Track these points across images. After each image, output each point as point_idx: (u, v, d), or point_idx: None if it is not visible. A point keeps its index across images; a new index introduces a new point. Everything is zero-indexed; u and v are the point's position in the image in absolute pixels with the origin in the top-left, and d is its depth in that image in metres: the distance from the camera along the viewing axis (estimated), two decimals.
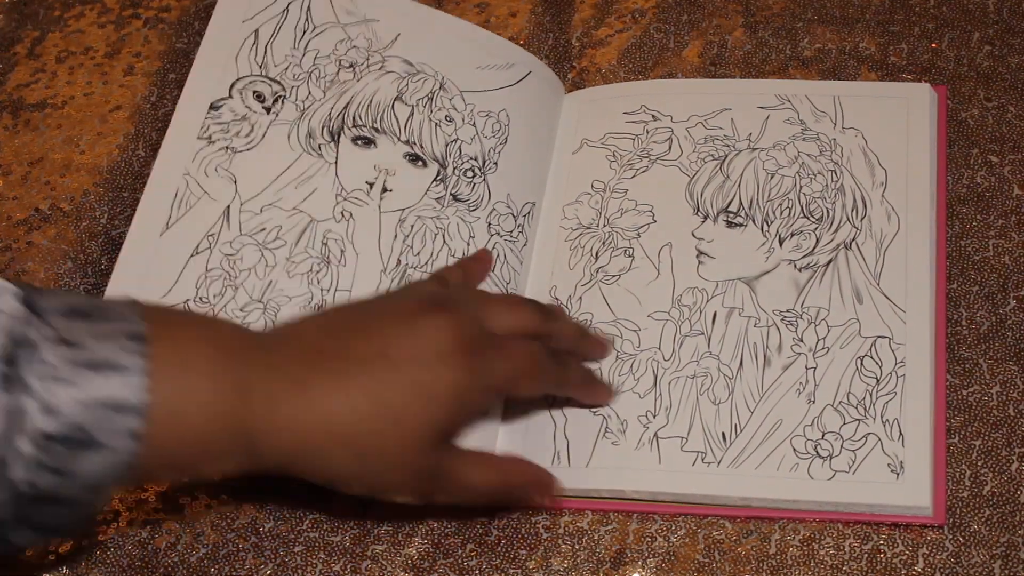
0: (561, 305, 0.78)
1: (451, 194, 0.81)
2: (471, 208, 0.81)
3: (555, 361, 0.71)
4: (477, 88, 0.85)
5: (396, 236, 0.79)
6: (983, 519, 0.71)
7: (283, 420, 0.64)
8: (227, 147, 0.82)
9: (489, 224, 0.81)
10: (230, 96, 0.83)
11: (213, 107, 0.83)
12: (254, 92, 0.84)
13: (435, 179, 0.82)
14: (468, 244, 0.80)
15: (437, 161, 0.82)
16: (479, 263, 0.78)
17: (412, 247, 0.79)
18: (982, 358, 0.75)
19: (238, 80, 0.84)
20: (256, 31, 0.85)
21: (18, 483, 0.60)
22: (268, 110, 0.83)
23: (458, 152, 0.83)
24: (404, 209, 0.81)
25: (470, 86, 0.85)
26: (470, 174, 0.82)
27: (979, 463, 0.72)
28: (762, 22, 0.89)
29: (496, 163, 0.83)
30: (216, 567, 0.73)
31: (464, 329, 0.67)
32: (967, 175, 0.81)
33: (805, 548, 0.71)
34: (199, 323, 0.67)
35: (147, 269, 0.77)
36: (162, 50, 0.92)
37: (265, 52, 0.85)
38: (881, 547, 0.70)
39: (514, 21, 0.91)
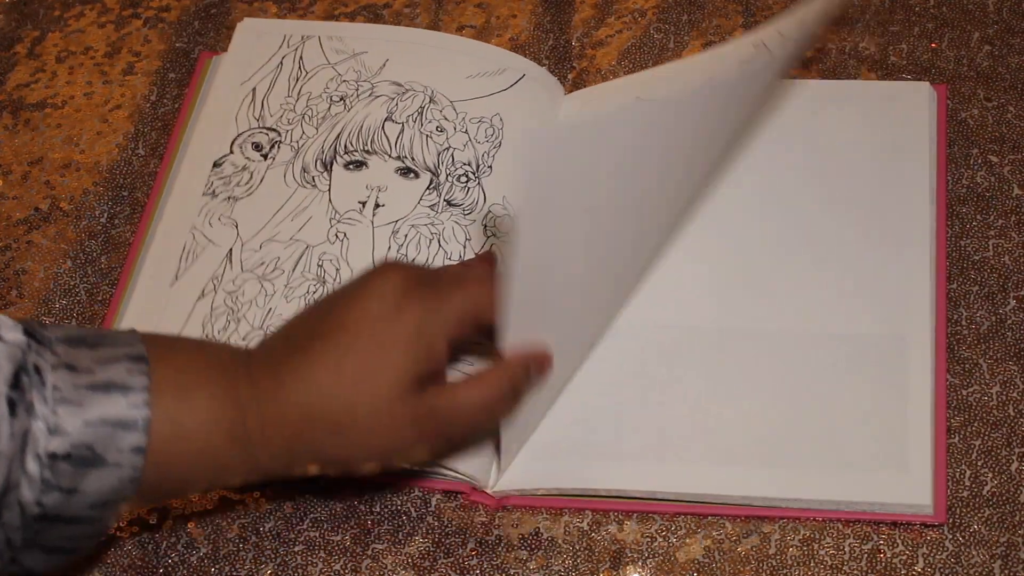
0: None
1: (445, 200, 0.82)
2: (466, 212, 0.82)
3: None
4: (468, 96, 0.86)
5: (390, 247, 0.80)
6: (983, 519, 0.71)
7: (269, 418, 0.65)
8: (229, 197, 0.84)
9: (485, 227, 0.81)
10: (231, 152, 0.85)
11: (216, 164, 0.85)
12: (252, 143, 0.86)
13: (428, 187, 0.83)
14: (464, 247, 0.80)
15: (430, 171, 0.83)
16: (482, 261, 0.78)
17: (407, 255, 0.80)
18: (982, 358, 0.75)
19: (238, 136, 0.86)
20: (253, 89, 0.88)
21: (27, 505, 0.61)
22: (265, 156, 0.85)
23: (451, 159, 0.83)
24: (397, 220, 0.82)
25: (461, 95, 0.86)
26: (464, 179, 0.83)
27: (979, 463, 0.72)
28: (762, 22, 0.89)
29: (491, 166, 0.83)
30: (216, 567, 0.73)
31: (410, 271, 0.67)
32: (967, 175, 0.81)
33: (805, 548, 0.71)
34: (194, 345, 0.69)
35: (158, 318, 0.79)
36: (162, 50, 0.92)
37: (262, 106, 0.87)
38: (881, 547, 0.70)
39: (514, 22, 0.91)
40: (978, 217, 0.80)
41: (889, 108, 0.82)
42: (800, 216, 0.80)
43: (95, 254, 0.84)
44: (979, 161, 0.82)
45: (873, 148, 0.81)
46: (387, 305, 0.65)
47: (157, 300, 0.80)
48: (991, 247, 0.79)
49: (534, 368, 0.68)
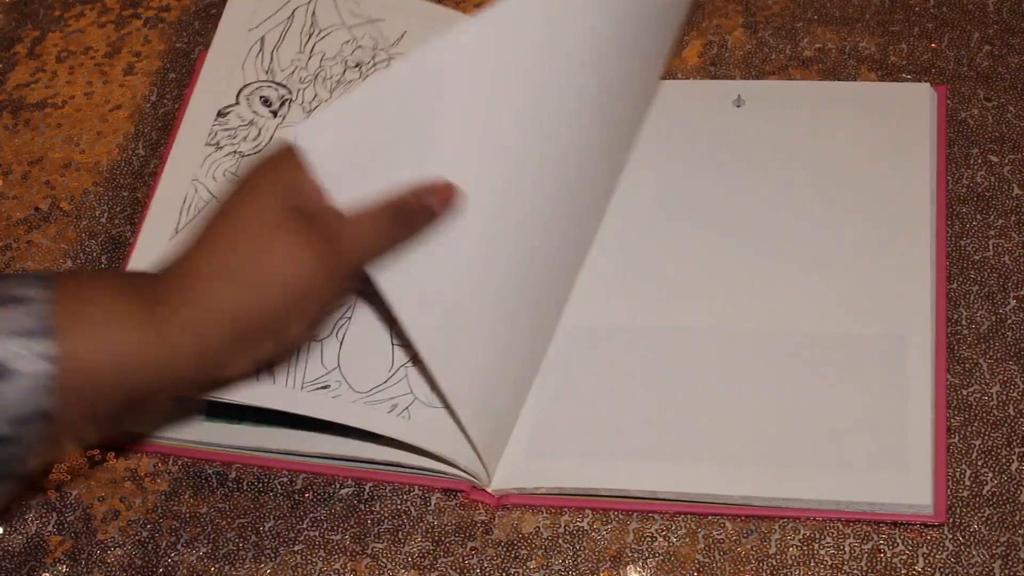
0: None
1: None
2: None
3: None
4: None
5: None
6: (983, 518, 0.71)
7: (173, 295, 0.64)
8: (235, 151, 0.82)
9: None
10: (237, 103, 0.84)
11: (220, 114, 0.84)
12: (261, 97, 0.84)
13: None
14: None
15: None
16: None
17: None
18: (982, 358, 0.75)
19: (245, 86, 0.85)
20: (262, 39, 0.86)
21: None
22: (275, 114, 0.84)
23: None
24: None
25: None
26: None
27: (979, 463, 0.72)
28: (762, 22, 0.89)
29: None
30: (216, 566, 0.73)
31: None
32: (967, 175, 0.81)
33: (805, 548, 0.71)
34: (100, 271, 0.69)
35: None
36: (162, 50, 0.92)
37: (271, 59, 0.85)
38: (881, 547, 0.70)
39: None
40: (978, 217, 0.80)
41: (889, 109, 0.82)
42: (800, 216, 0.80)
43: (95, 254, 0.84)
44: (979, 161, 0.82)
45: (874, 149, 0.81)
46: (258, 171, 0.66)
47: (154, 253, 0.78)
48: (991, 247, 0.79)
49: (436, 201, 0.67)
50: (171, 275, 0.65)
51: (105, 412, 0.65)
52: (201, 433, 0.76)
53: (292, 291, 0.64)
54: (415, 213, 0.67)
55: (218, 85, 0.85)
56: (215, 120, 0.83)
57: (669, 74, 0.87)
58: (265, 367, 0.74)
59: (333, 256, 0.65)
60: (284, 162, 0.66)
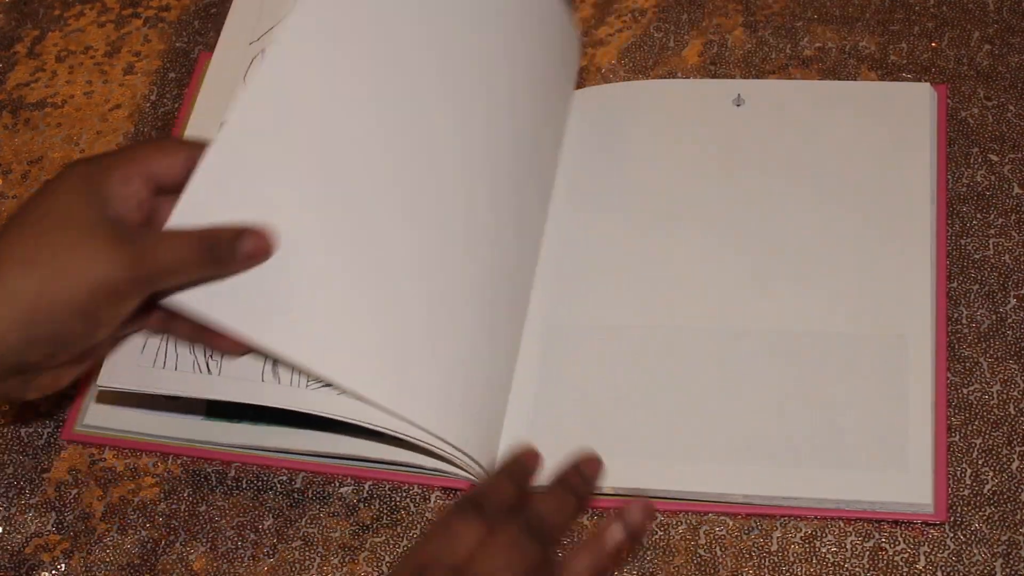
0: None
1: None
2: None
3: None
4: None
5: None
6: (984, 517, 0.71)
7: None
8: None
9: None
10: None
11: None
12: None
13: None
14: None
15: None
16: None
17: None
18: (983, 356, 0.75)
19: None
20: (264, 51, 0.86)
21: None
22: None
23: None
24: None
25: None
26: None
27: (980, 461, 0.72)
28: (762, 21, 0.89)
29: None
30: (215, 565, 0.73)
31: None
32: (967, 174, 0.81)
33: (807, 545, 0.71)
34: None
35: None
36: (162, 49, 0.92)
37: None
38: (883, 544, 0.70)
39: None
40: (978, 216, 0.80)
41: (890, 109, 0.82)
42: (800, 215, 0.80)
43: None
44: (979, 160, 0.82)
45: (874, 148, 0.81)
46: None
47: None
48: (991, 246, 0.79)
49: (247, 245, 0.67)
50: None
51: None
52: (200, 432, 0.76)
53: (94, 293, 0.65)
54: (223, 250, 0.67)
55: (220, 96, 0.85)
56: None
57: (669, 73, 0.87)
58: (56, 366, 0.70)
59: (139, 268, 0.65)
60: (108, 168, 0.67)
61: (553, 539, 0.64)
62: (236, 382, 0.72)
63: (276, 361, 0.72)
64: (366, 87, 0.72)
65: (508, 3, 0.80)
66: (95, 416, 0.78)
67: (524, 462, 0.67)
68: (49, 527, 0.75)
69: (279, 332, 0.69)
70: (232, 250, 0.67)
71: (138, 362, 0.73)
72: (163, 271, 0.66)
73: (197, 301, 0.67)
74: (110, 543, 0.74)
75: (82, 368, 0.71)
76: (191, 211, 0.67)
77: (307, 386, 0.73)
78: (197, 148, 0.69)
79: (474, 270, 0.75)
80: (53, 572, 0.74)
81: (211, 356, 0.73)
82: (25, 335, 0.65)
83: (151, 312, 0.71)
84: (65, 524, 0.75)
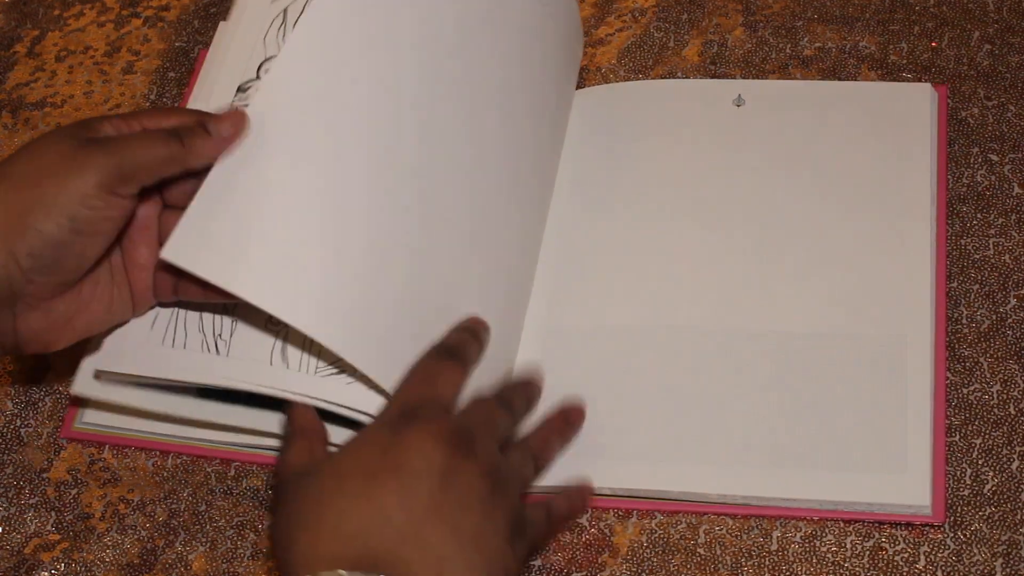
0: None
1: None
2: None
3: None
4: None
5: None
6: (984, 517, 0.71)
7: None
8: None
9: None
10: (257, 77, 0.83)
11: (241, 89, 0.82)
12: None
13: None
14: None
15: None
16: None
17: None
18: (982, 356, 0.75)
19: (265, 60, 0.84)
20: (285, 10, 0.85)
21: None
22: None
23: None
24: None
25: None
26: None
27: (980, 461, 0.72)
28: (762, 21, 0.89)
29: None
30: (214, 565, 0.73)
31: None
32: (967, 174, 0.81)
33: (807, 544, 0.71)
34: None
35: None
36: (162, 49, 0.92)
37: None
38: (883, 544, 0.70)
39: None
40: (978, 216, 0.80)
41: (890, 109, 0.82)
42: (800, 215, 0.80)
43: None
44: (979, 160, 0.82)
45: (874, 149, 0.81)
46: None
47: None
48: (991, 246, 0.79)
49: (218, 122, 0.69)
50: None
51: None
52: (196, 412, 0.75)
53: (76, 195, 0.67)
54: (191, 131, 0.69)
55: (237, 59, 0.83)
56: (235, 95, 0.82)
57: (669, 73, 0.87)
58: (44, 297, 0.71)
59: (114, 163, 0.67)
60: (103, 119, 0.70)
61: (520, 417, 0.71)
62: (242, 363, 0.72)
63: (285, 344, 0.72)
64: (376, 77, 0.73)
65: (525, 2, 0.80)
66: (94, 414, 0.78)
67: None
68: (49, 527, 0.75)
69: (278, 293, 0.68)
70: (199, 129, 0.69)
71: (147, 338, 0.73)
72: (134, 161, 0.68)
73: (178, 254, 0.67)
74: (110, 543, 0.74)
75: (71, 307, 0.71)
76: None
77: (316, 372, 0.72)
78: (203, 116, 0.70)
79: (476, 270, 0.75)
80: (53, 572, 0.74)
81: (219, 335, 0.73)
82: (10, 247, 0.66)
83: (156, 280, 0.73)
84: (65, 524, 0.75)
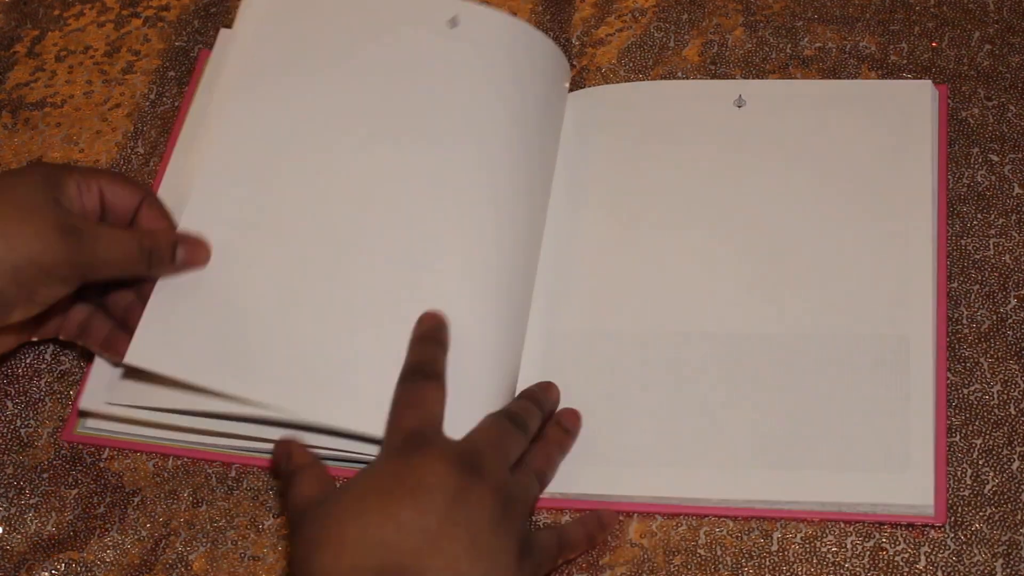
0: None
1: None
2: None
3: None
4: None
5: None
6: (984, 518, 0.70)
7: None
8: None
9: None
10: None
11: None
12: None
13: None
14: None
15: None
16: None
17: None
18: (983, 357, 0.75)
19: None
20: None
21: None
22: None
23: None
24: None
25: None
26: None
27: (980, 462, 0.72)
28: (762, 21, 0.89)
29: None
30: (214, 565, 0.73)
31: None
32: (968, 174, 0.81)
33: (807, 545, 0.71)
34: None
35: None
36: (161, 48, 0.92)
37: None
38: (883, 545, 0.70)
39: None
40: (979, 216, 0.80)
41: (891, 107, 0.82)
42: (801, 216, 0.79)
43: None
44: (980, 160, 0.82)
45: (875, 148, 0.81)
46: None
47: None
48: (992, 246, 0.79)
49: (183, 251, 0.74)
50: None
51: None
52: (197, 422, 0.75)
53: (33, 266, 0.69)
54: (161, 255, 0.74)
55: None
56: None
57: (669, 73, 0.87)
58: None
59: (79, 255, 0.70)
60: (69, 173, 0.73)
61: (533, 434, 0.72)
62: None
63: None
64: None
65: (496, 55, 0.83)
66: (95, 421, 0.78)
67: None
68: (49, 527, 0.75)
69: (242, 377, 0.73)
70: (169, 256, 0.74)
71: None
72: (101, 263, 0.71)
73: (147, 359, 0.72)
74: (110, 543, 0.74)
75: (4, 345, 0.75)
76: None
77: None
78: (148, 192, 0.76)
79: (478, 279, 0.76)
80: (53, 572, 0.74)
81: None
82: None
83: (69, 314, 0.76)
84: (65, 524, 0.75)
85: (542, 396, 0.74)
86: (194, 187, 0.78)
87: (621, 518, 0.72)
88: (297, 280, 0.76)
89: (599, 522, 0.71)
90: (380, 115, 0.81)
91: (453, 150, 0.80)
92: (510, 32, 0.84)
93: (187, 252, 0.75)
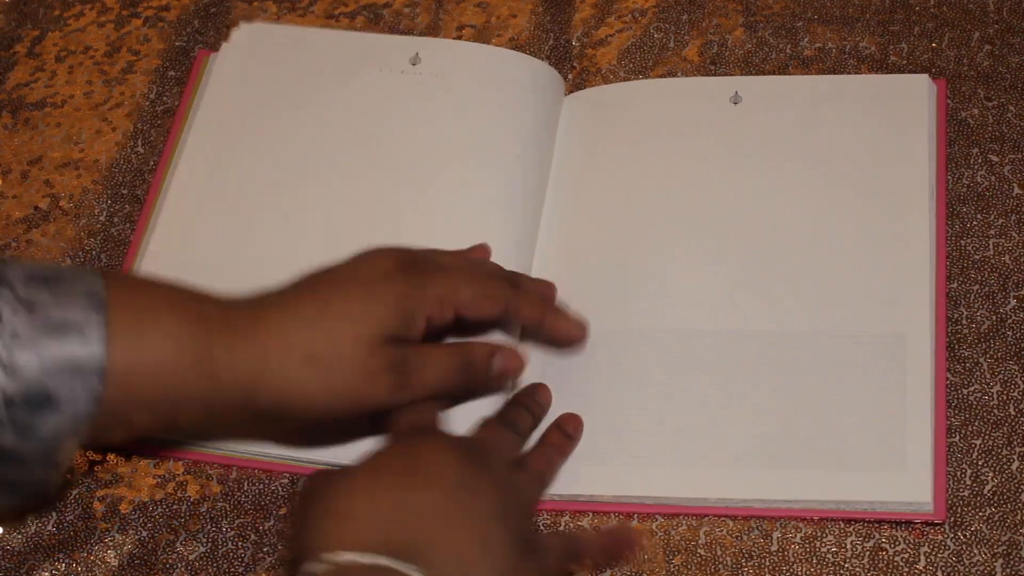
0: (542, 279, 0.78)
1: None
2: None
3: (508, 282, 0.72)
4: None
5: None
6: (984, 518, 0.71)
7: (241, 347, 0.66)
8: None
9: None
10: None
11: None
12: None
13: None
14: None
15: None
16: (475, 252, 0.78)
17: None
18: (982, 357, 0.75)
19: None
20: None
21: None
22: None
23: None
24: None
25: None
26: None
27: (980, 462, 0.72)
28: (762, 21, 0.89)
29: None
30: (214, 565, 0.73)
31: (402, 252, 0.70)
32: (967, 174, 0.81)
33: (807, 545, 0.71)
34: (158, 282, 0.69)
35: None
36: (161, 48, 0.92)
37: None
38: (883, 545, 0.70)
39: (514, 22, 0.91)
40: (978, 216, 0.80)
41: (888, 102, 0.82)
42: (799, 214, 0.79)
43: (95, 252, 0.84)
44: (979, 160, 0.82)
45: (872, 144, 0.81)
46: (377, 272, 0.69)
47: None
48: (991, 246, 0.79)
49: (501, 364, 0.72)
50: (243, 313, 0.67)
51: (142, 425, 0.67)
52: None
53: (354, 404, 0.68)
54: (478, 369, 0.71)
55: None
56: None
57: (669, 73, 0.87)
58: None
59: (403, 395, 0.69)
60: (427, 288, 0.69)
61: (527, 436, 0.72)
62: None
63: None
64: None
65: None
66: None
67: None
68: (50, 527, 0.75)
69: None
70: (486, 368, 0.72)
71: None
72: (425, 391, 0.69)
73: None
74: (110, 543, 0.74)
75: None
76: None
77: None
78: (509, 299, 0.72)
79: None
80: (53, 572, 0.74)
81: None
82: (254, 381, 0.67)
83: None
84: (65, 524, 0.75)
85: (531, 399, 0.74)
86: (153, 234, 0.80)
87: (620, 517, 0.72)
88: None
89: (621, 539, 0.70)
90: (356, 154, 0.83)
91: (436, 182, 0.82)
92: (479, 60, 0.87)
93: (503, 361, 0.72)
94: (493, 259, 0.78)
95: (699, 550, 0.71)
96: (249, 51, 0.88)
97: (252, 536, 0.74)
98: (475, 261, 0.75)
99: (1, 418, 0.61)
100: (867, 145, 0.81)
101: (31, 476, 0.65)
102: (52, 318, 0.62)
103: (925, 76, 0.83)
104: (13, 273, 0.63)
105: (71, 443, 0.64)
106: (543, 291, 0.77)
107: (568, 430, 0.73)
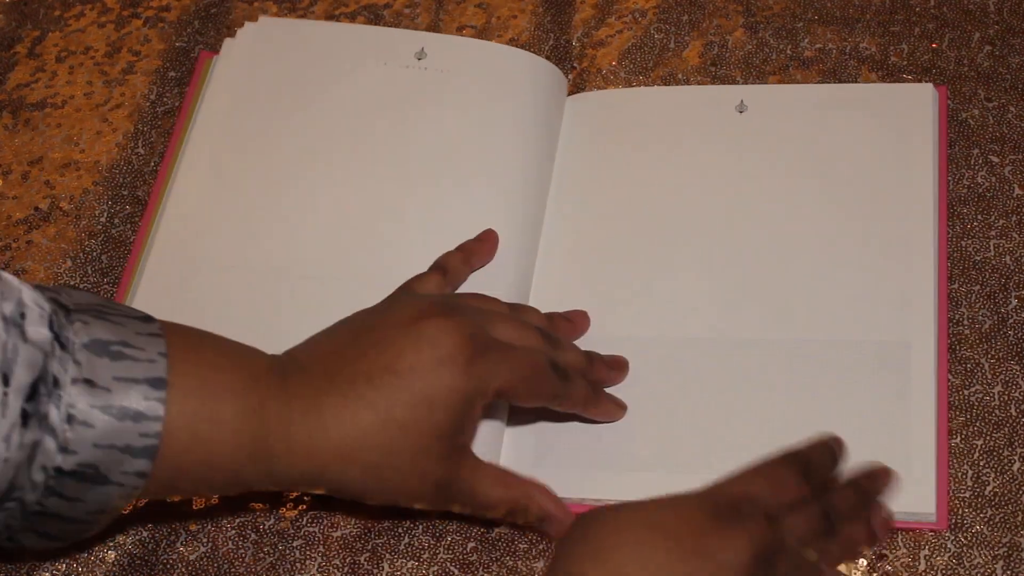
0: (580, 312, 0.77)
1: None
2: None
3: (559, 374, 0.70)
4: None
5: None
6: (985, 519, 0.70)
7: (298, 445, 0.66)
8: None
9: None
10: None
11: None
12: None
13: None
14: None
15: None
16: (482, 244, 0.78)
17: None
18: (984, 358, 0.75)
19: None
20: None
21: (29, 504, 0.63)
22: None
23: None
24: None
25: None
26: None
27: (981, 463, 0.72)
28: (762, 22, 0.89)
29: None
30: (215, 564, 0.73)
31: (464, 333, 0.67)
32: (968, 175, 0.81)
33: None
34: (218, 350, 0.67)
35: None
36: (162, 49, 0.92)
37: None
38: (883, 547, 0.70)
39: (515, 22, 0.91)
40: (979, 217, 0.80)
41: (892, 110, 0.82)
42: (803, 220, 0.79)
43: (95, 253, 0.84)
44: (980, 161, 0.82)
45: (876, 151, 0.81)
46: (435, 363, 0.66)
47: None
48: (992, 247, 0.79)
49: (547, 522, 0.69)
50: (303, 398, 0.66)
51: (190, 492, 0.69)
52: None
53: (401, 498, 0.68)
54: (522, 514, 0.69)
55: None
56: None
57: (669, 74, 0.87)
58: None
59: (441, 500, 0.68)
60: (494, 379, 0.67)
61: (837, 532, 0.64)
62: None
63: None
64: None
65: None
66: None
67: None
68: None
69: None
70: (532, 521, 0.69)
71: None
72: (469, 503, 0.68)
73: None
74: (110, 542, 0.74)
75: None
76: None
77: None
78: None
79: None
80: (54, 572, 0.73)
81: None
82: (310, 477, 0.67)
83: None
84: None
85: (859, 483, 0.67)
86: (156, 235, 0.80)
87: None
88: (285, 318, 0.78)
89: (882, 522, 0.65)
90: (360, 150, 0.83)
91: (440, 177, 0.82)
92: (482, 56, 0.86)
93: (551, 526, 0.69)
94: (498, 254, 0.78)
95: None
96: (252, 47, 0.88)
97: (252, 536, 0.74)
98: (521, 324, 0.71)
99: (51, 486, 0.62)
100: (871, 154, 0.81)
101: (71, 530, 0.65)
102: (111, 400, 0.62)
103: (930, 86, 0.83)
104: (78, 337, 0.62)
105: (116, 507, 0.65)
106: (577, 322, 0.76)
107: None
